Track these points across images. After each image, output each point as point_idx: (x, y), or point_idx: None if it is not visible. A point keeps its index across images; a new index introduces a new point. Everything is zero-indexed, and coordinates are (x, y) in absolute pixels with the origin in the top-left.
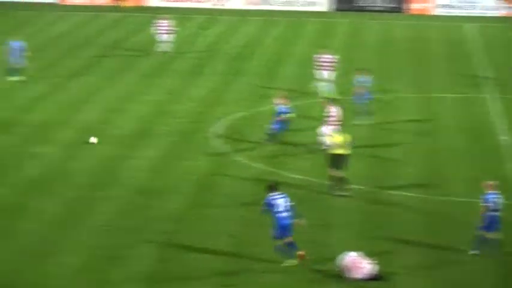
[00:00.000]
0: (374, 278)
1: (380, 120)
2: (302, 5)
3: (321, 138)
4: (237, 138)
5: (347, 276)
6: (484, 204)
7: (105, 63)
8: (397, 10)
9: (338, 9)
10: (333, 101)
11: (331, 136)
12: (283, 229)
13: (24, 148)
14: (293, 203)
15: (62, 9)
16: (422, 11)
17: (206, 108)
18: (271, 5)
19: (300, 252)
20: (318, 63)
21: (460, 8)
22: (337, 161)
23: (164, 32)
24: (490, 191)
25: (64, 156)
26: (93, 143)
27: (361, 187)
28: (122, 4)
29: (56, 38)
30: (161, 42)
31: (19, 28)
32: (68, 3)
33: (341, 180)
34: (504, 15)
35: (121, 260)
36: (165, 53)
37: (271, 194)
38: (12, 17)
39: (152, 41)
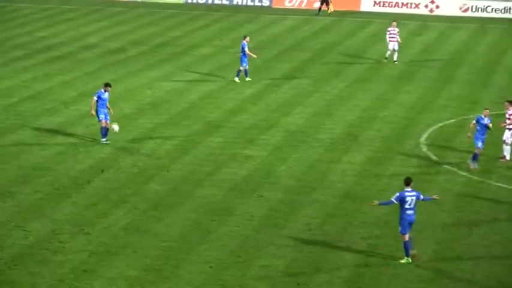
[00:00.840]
0: None
1: None
2: None
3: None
4: (445, 146)
5: None
6: None
7: (316, 67)
8: None
9: None
10: None
11: None
12: (409, 225)
13: (232, 150)
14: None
15: (274, 12)
16: None
17: (416, 115)
18: (486, 12)
19: (414, 252)
20: None
21: None
22: None
23: (394, 40)
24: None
25: (272, 158)
26: (114, 131)
27: None
28: (329, 10)
29: (267, 41)
30: (391, 50)
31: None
32: (280, 7)
33: None
34: None
35: (323, 264)
36: (393, 62)
37: (406, 189)
38: (226, 20)
39: (363, 47)
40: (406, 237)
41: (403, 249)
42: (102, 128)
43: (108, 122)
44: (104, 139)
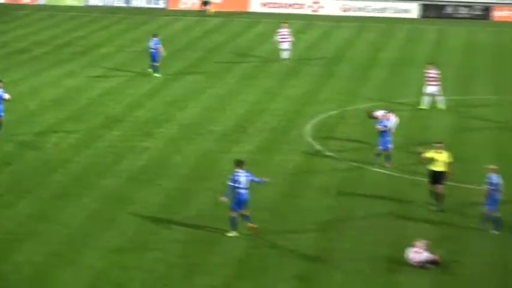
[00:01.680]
0: (431, 263)
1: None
2: (394, 12)
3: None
4: (327, 135)
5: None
6: (489, 187)
7: (208, 65)
8: (482, 18)
9: (427, 17)
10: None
11: (432, 153)
12: (241, 203)
13: (131, 142)
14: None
15: (169, 14)
16: (506, 18)
17: (301, 107)
18: (365, 11)
19: (252, 225)
20: (426, 78)
21: None
22: (436, 177)
23: (285, 40)
24: (492, 174)
25: (168, 150)
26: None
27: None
28: (208, 11)
29: (163, 40)
30: (283, 50)
31: (132, 31)
32: (174, 8)
33: (439, 196)
34: None
35: (216, 246)
36: (285, 59)
37: (237, 170)
38: (124, 22)
39: (252, 45)
40: (235, 214)
41: (230, 224)
42: None
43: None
44: None
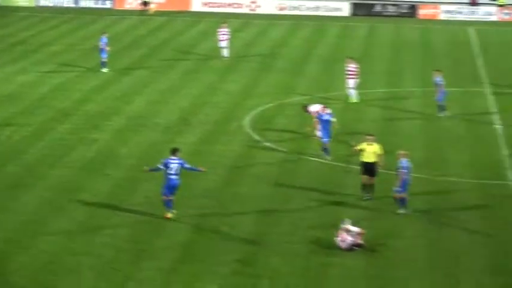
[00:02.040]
0: (357, 246)
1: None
2: (326, 11)
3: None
4: (265, 127)
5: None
6: (401, 170)
7: (153, 61)
8: (409, 15)
9: (357, 15)
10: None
11: (364, 145)
12: (171, 188)
13: (80, 134)
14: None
15: (115, 14)
16: (430, 16)
17: (240, 100)
18: (300, 10)
19: (168, 215)
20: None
21: (463, 13)
22: (367, 168)
23: (225, 38)
24: (403, 158)
25: (116, 141)
26: None
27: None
28: (149, 10)
29: (110, 39)
30: (222, 48)
31: (81, 30)
32: (120, 8)
33: (370, 187)
34: (501, 20)
35: (162, 231)
36: (224, 57)
37: (170, 157)
38: (73, 21)
39: (193, 43)
40: (165, 198)
41: (165, 207)
42: None
43: None
44: None
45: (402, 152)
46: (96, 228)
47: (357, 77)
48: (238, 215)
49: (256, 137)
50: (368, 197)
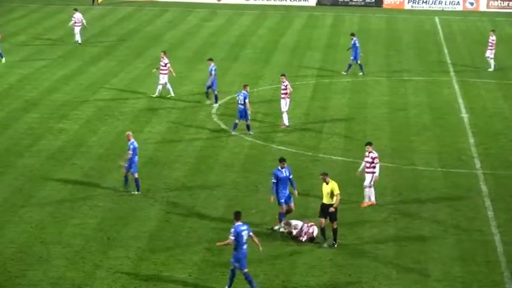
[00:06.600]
0: (311, 240)
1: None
2: (293, 1)
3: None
4: (233, 116)
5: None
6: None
7: (120, 50)
8: (375, 5)
9: (323, 4)
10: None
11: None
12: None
13: (48, 124)
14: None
15: (83, 3)
16: (395, 5)
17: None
18: (267, 0)
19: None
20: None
21: (428, 3)
22: (322, 210)
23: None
24: (132, 140)
25: (84, 131)
26: None
27: (344, 159)
28: (98, 1)
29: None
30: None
31: (48, 19)
32: None
33: (333, 232)
34: (465, 10)
35: (130, 220)
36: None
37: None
38: (41, 11)
39: (160, 32)
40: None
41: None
42: None
43: None
44: None
45: (129, 133)
46: (65, 217)
47: (167, 72)
48: (206, 203)
49: (224, 126)
50: (326, 246)
